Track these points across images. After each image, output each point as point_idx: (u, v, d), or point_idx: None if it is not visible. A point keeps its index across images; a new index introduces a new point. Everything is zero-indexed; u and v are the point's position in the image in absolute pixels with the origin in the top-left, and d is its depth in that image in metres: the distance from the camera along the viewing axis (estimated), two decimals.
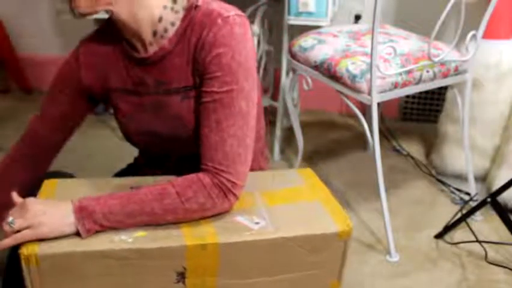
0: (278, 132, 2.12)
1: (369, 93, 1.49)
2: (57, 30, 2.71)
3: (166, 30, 0.95)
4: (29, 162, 1.11)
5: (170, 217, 0.88)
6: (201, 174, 0.91)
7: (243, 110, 0.91)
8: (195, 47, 0.92)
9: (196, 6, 0.94)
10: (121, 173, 1.20)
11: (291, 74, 1.83)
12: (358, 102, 1.55)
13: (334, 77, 1.57)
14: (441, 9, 1.42)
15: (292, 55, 1.76)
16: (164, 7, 0.93)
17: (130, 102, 1.02)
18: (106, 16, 0.96)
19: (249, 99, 0.92)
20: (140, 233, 0.86)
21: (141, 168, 1.16)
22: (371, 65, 1.45)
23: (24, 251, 0.81)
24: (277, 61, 2.18)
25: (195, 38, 0.92)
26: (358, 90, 1.52)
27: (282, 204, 0.96)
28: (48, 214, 0.84)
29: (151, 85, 0.99)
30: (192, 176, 0.90)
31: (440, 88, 1.98)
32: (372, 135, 1.53)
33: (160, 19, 0.94)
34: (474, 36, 1.57)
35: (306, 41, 1.72)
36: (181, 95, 0.97)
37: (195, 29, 0.93)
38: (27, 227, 0.83)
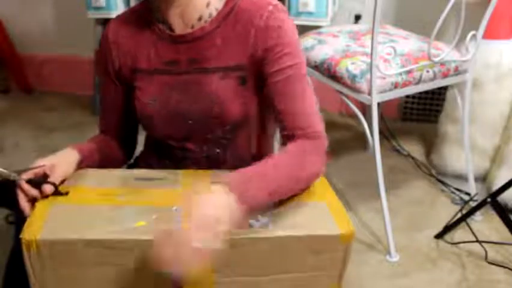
0: (278, 132, 2.11)
1: (369, 93, 1.49)
2: (57, 30, 2.71)
3: (210, 15, 0.98)
4: (117, 138, 1.15)
5: (296, 187, 0.93)
6: (300, 142, 0.96)
7: (308, 80, 1.01)
8: (247, 34, 0.96)
9: None
10: None
11: None
12: (358, 102, 1.55)
13: (334, 77, 1.57)
14: (441, 9, 1.42)
15: None
16: None
17: (157, 82, 1.02)
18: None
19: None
20: (140, 223, 0.86)
21: (147, 162, 1.15)
22: (371, 65, 1.45)
23: (26, 236, 0.81)
24: None
25: (243, 25, 0.97)
26: (358, 90, 1.52)
27: (287, 204, 0.95)
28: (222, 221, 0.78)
29: (183, 64, 1.00)
30: (296, 147, 0.95)
31: (440, 88, 1.98)
32: (372, 135, 1.53)
33: (208, 4, 0.98)
34: (474, 36, 1.57)
35: (306, 41, 1.72)
36: (221, 74, 0.99)
37: (240, 15, 0.97)
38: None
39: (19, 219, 0.89)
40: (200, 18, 0.98)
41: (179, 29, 0.99)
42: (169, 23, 0.99)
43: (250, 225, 0.88)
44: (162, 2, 0.97)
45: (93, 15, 2.22)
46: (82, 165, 1.00)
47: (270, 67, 0.97)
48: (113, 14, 2.16)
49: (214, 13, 0.98)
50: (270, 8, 0.96)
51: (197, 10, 0.97)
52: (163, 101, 1.02)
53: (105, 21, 2.33)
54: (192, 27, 0.98)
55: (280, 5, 0.98)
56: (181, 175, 1.01)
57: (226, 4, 0.98)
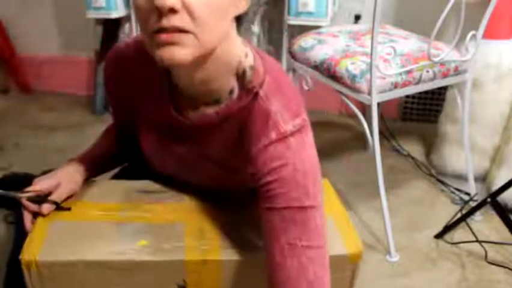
0: None
1: (369, 93, 1.49)
2: (57, 30, 2.71)
3: (226, 103, 0.83)
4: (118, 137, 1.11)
5: None
6: None
7: (320, 213, 0.80)
8: (249, 145, 0.81)
9: (256, 94, 0.81)
10: (117, 176, 1.17)
11: (291, 74, 1.83)
12: (358, 102, 1.55)
13: (334, 77, 1.57)
14: (441, 9, 1.41)
15: (292, 55, 1.76)
16: (237, 76, 0.82)
17: (157, 141, 0.94)
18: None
19: (322, 211, 0.81)
20: (142, 242, 0.85)
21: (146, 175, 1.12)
22: (370, 65, 1.45)
23: (25, 257, 0.80)
24: (277, 61, 2.18)
25: (247, 132, 0.82)
26: (358, 90, 1.52)
27: None
28: None
29: (186, 140, 0.91)
30: None
31: (440, 88, 1.98)
32: (372, 135, 1.53)
33: (231, 91, 0.82)
34: (474, 36, 1.57)
35: (306, 41, 1.72)
36: (218, 165, 0.90)
37: (248, 119, 0.81)
38: None
39: (19, 220, 0.89)
40: (218, 101, 0.83)
41: (190, 105, 0.86)
42: (181, 93, 0.86)
43: (255, 245, 0.86)
44: (181, 78, 0.82)
45: (93, 15, 2.22)
46: (87, 178, 0.99)
47: (263, 200, 0.80)
48: (113, 14, 2.17)
49: (230, 103, 0.83)
50: (273, 135, 0.78)
51: (215, 93, 0.82)
52: (161, 159, 0.97)
53: (105, 21, 2.33)
54: (204, 106, 0.85)
55: (290, 130, 0.79)
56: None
57: (239, 98, 0.82)
